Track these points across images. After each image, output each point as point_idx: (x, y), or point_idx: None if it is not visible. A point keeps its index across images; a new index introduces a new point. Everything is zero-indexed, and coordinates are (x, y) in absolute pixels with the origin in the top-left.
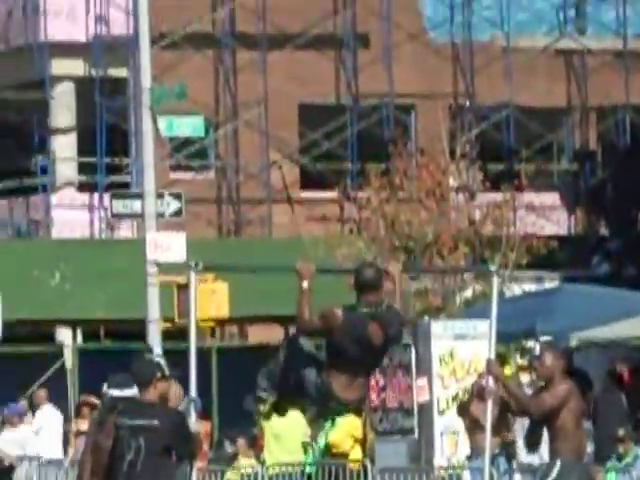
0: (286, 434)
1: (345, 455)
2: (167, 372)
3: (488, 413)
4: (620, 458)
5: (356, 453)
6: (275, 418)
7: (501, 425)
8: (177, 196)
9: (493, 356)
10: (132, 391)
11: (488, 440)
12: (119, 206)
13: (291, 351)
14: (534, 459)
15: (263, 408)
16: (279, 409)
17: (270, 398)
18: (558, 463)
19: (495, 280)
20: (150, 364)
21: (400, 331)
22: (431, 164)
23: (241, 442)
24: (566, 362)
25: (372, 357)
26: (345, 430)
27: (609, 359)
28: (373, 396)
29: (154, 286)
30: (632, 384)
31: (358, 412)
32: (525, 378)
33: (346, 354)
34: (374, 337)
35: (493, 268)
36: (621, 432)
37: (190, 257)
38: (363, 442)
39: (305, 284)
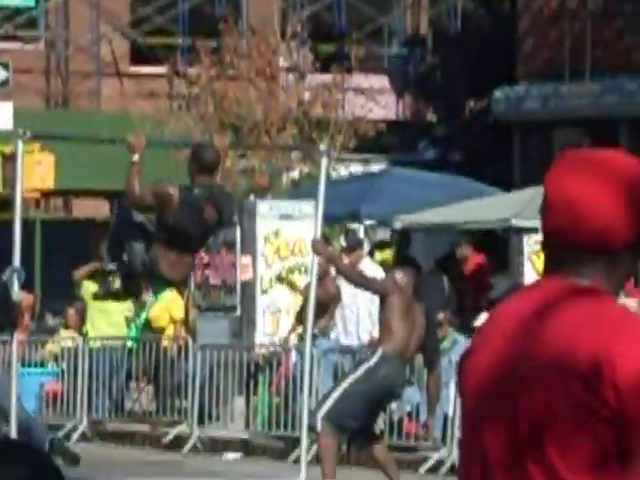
0: (111, 307)
1: (162, 331)
2: None
3: (311, 293)
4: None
5: (171, 330)
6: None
7: (327, 308)
8: (4, 65)
9: (319, 235)
10: None
11: (310, 320)
12: None
13: (121, 219)
14: (353, 341)
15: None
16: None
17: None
18: (379, 352)
19: (324, 160)
20: None
21: (233, 213)
22: (262, 43)
23: (71, 312)
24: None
25: (202, 238)
26: (164, 306)
27: (439, 243)
28: (197, 273)
29: None
30: (456, 269)
31: (180, 290)
32: (347, 260)
33: (177, 234)
34: (209, 220)
35: (323, 148)
36: (440, 316)
37: (17, 127)
38: (185, 319)
39: (136, 157)
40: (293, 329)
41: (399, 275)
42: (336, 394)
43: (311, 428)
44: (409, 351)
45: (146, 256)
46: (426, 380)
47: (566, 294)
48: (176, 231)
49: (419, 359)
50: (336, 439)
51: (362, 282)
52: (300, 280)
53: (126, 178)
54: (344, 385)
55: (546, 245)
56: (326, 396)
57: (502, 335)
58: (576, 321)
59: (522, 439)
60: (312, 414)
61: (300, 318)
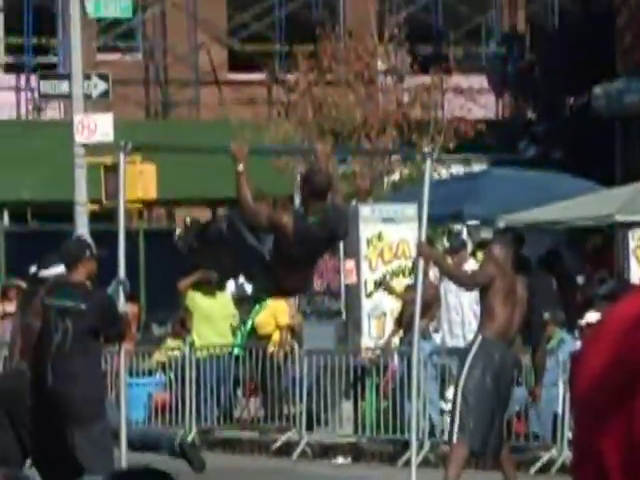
0: (216, 315)
1: (267, 337)
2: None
3: (417, 296)
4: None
5: (277, 336)
6: (204, 299)
7: (427, 310)
8: (104, 77)
9: (424, 238)
10: (58, 269)
11: (417, 322)
12: (47, 87)
13: (232, 233)
14: (459, 342)
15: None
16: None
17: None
18: (479, 338)
19: (429, 162)
20: (80, 243)
21: (346, 231)
22: (359, 46)
23: (176, 322)
24: (511, 253)
25: (316, 256)
26: (270, 313)
27: (542, 242)
28: None
29: (81, 167)
30: (561, 267)
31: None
32: (450, 261)
33: (294, 255)
34: (323, 243)
35: (426, 149)
36: (546, 316)
37: (118, 138)
38: (291, 325)
39: (241, 167)
40: (394, 333)
41: (496, 249)
42: (459, 401)
43: (447, 442)
44: (511, 331)
45: (265, 275)
46: (531, 356)
47: None
48: (292, 255)
49: (526, 359)
50: (468, 448)
51: (468, 280)
52: (400, 283)
53: (237, 190)
54: (460, 390)
55: None
56: (453, 407)
57: (614, 337)
58: None
59: (637, 441)
60: (450, 433)
61: (400, 322)
